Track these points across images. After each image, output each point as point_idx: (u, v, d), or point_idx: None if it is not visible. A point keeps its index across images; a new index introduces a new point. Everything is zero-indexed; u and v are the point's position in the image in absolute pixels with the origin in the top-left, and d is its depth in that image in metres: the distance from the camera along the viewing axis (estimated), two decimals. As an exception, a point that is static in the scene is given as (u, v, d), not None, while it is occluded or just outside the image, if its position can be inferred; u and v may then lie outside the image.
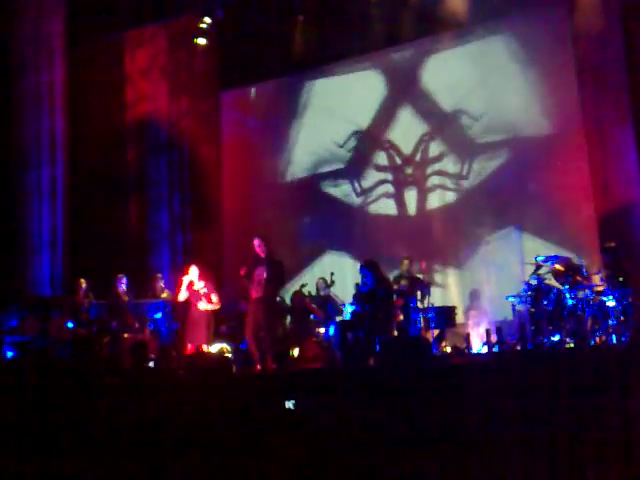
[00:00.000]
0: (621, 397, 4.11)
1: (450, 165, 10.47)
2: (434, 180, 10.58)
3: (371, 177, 11.06)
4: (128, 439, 4.19)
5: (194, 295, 8.50)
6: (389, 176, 10.95)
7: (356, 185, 11.16)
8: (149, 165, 11.40)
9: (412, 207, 10.71)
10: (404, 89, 10.65)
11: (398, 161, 10.91)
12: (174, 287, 9.49)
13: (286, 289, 8.93)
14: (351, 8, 10.43)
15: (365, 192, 11.07)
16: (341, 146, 11.25)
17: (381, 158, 11.04)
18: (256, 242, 7.63)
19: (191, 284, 8.49)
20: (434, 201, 10.56)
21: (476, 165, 10.24)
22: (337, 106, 11.16)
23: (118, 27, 10.76)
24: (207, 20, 10.78)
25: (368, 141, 11.14)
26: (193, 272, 8.54)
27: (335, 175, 11.27)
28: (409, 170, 10.80)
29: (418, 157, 10.76)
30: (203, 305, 8.49)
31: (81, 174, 10.41)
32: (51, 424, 4.46)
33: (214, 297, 8.58)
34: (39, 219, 9.87)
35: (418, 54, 10.60)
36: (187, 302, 8.55)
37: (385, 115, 10.83)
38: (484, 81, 10.10)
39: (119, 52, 11.32)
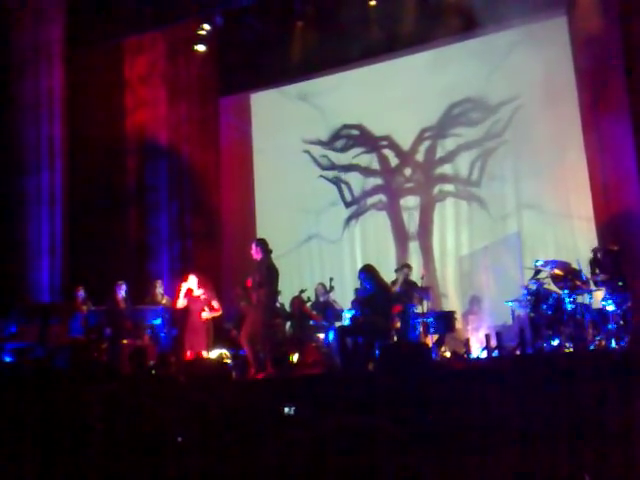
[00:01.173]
0: (620, 401, 4.11)
1: (452, 168, 10.44)
2: (441, 187, 10.52)
3: (367, 182, 11.07)
4: (126, 445, 4.18)
5: (194, 302, 8.48)
6: (387, 180, 10.95)
7: (346, 193, 11.19)
8: (148, 171, 11.40)
9: (415, 215, 10.67)
10: (404, 88, 10.63)
11: (397, 163, 10.91)
12: (173, 293, 9.48)
13: (285, 294, 8.90)
14: (350, 13, 10.44)
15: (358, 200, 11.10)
16: (331, 146, 11.26)
17: (378, 159, 11.04)
18: (253, 246, 7.65)
19: (190, 291, 8.49)
20: (437, 208, 10.54)
21: (486, 168, 10.22)
22: (334, 108, 11.19)
23: (117, 33, 10.79)
24: (206, 27, 10.78)
25: (363, 140, 11.14)
26: (192, 281, 8.53)
27: (327, 180, 11.30)
28: (410, 174, 10.78)
29: (421, 158, 10.72)
30: (206, 314, 8.48)
31: (80, 180, 10.41)
32: (48, 430, 4.45)
33: (215, 304, 8.57)
34: (38, 225, 9.87)
35: (417, 56, 10.59)
36: (186, 309, 8.53)
37: (384, 113, 10.81)
38: (480, 85, 10.15)
39: (118, 58, 11.35)
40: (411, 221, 10.63)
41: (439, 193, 10.54)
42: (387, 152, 11.01)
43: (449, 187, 10.47)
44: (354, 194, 11.15)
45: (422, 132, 10.72)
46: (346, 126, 11.29)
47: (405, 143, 10.87)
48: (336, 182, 11.28)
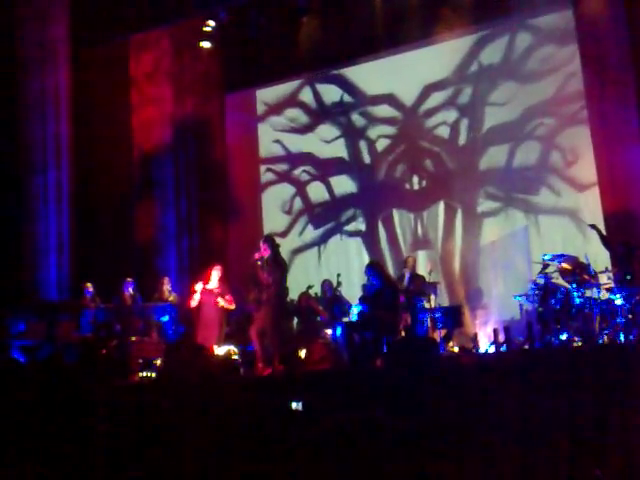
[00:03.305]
0: (628, 395, 4.08)
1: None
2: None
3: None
4: (135, 442, 4.19)
5: (208, 295, 8.43)
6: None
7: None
8: (155, 168, 11.42)
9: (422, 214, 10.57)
10: (414, 78, 10.61)
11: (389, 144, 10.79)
12: (181, 290, 9.49)
13: (292, 291, 8.89)
14: (355, 8, 10.42)
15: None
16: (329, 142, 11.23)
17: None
18: (261, 243, 7.64)
19: (206, 282, 8.43)
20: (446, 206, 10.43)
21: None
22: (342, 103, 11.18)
23: (122, 31, 10.79)
24: (211, 23, 10.77)
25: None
26: (216, 272, 8.48)
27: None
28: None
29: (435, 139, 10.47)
30: (222, 301, 8.41)
31: (87, 177, 10.44)
32: (58, 428, 4.47)
33: (228, 297, 8.55)
34: (46, 222, 9.91)
35: (421, 50, 10.54)
36: (199, 303, 8.50)
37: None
38: (486, 76, 10.11)
39: (123, 56, 11.34)
40: (418, 218, 10.57)
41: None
42: (383, 129, 10.90)
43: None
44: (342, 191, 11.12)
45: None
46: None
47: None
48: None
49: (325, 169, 11.28)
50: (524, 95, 9.74)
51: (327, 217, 11.26)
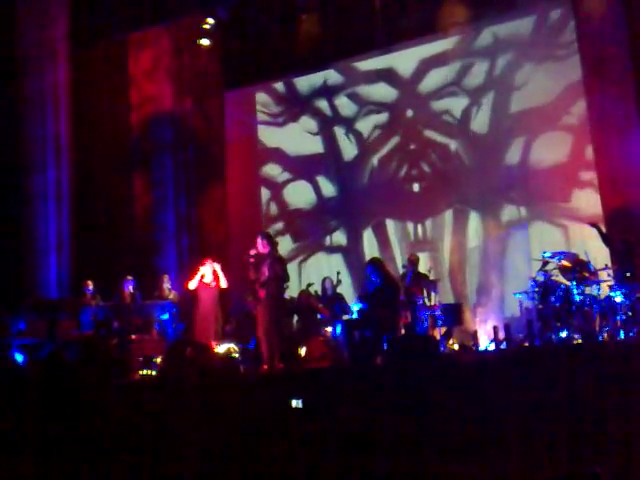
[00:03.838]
0: (628, 393, 4.09)
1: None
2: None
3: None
4: (135, 440, 4.20)
5: (204, 290, 8.48)
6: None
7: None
8: (154, 166, 11.41)
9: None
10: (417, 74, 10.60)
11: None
12: (180, 288, 9.50)
13: (292, 289, 8.89)
14: (355, 5, 10.41)
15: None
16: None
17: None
18: (258, 240, 7.64)
19: (203, 277, 8.50)
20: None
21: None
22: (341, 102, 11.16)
23: (121, 29, 10.78)
24: (210, 21, 10.76)
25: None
26: (208, 267, 8.54)
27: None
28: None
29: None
30: (222, 279, 8.46)
31: (86, 176, 10.45)
32: (60, 427, 4.47)
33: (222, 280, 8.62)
34: (45, 222, 9.91)
35: (420, 50, 10.53)
36: (195, 298, 8.53)
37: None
38: (488, 75, 10.08)
39: (123, 54, 11.34)
40: (418, 221, 10.52)
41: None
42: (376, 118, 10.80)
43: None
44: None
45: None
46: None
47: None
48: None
49: (306, 168, 11.17)
50: (524, 93, 9.68)
51: (309, 223, 11.18)
